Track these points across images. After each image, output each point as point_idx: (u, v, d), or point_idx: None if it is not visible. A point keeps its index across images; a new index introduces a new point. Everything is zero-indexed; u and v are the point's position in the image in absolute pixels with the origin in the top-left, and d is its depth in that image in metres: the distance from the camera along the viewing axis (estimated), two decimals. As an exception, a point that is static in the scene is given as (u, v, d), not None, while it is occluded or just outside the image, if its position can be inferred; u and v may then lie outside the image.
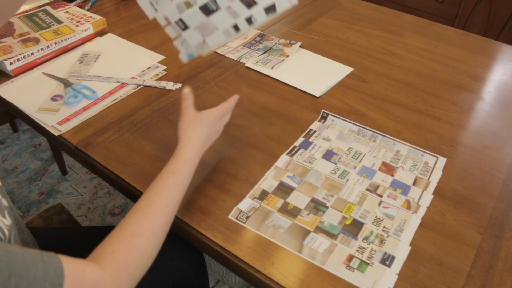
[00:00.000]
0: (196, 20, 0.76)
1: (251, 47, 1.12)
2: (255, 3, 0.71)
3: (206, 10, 0.75)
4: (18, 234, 0.60)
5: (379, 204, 0.72)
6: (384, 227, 0.68)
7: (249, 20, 0.72)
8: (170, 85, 0.97)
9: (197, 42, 0.77)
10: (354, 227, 0.68)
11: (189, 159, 0.64)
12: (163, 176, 0.62)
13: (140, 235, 0.54)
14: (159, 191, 0.60)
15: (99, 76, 0.99)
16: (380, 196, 0.73)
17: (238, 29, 0.73)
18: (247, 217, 0.69)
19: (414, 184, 0.76)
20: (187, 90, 0.72)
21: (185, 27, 0.77)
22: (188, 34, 0.77)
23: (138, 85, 0.96)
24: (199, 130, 0.68)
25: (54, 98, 0.91)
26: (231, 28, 0.74)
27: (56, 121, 0.85)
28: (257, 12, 0.71)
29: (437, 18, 2.11)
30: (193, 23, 0.77)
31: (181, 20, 0.76)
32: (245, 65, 1.05)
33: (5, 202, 0.56)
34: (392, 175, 0.77)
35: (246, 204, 0.71)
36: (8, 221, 0.53)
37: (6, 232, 0.50)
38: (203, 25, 0.76)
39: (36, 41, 1.02)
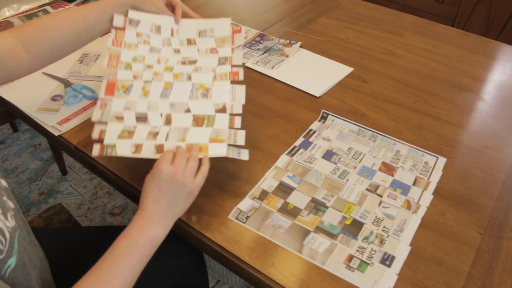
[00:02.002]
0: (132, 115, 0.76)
1: (251, 47, 1.12)
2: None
3: (141, 118, 0.75)
4: (27, 236, 0.60)
5: (379, 204, 0.72)
6: (384, 227, 0.68)
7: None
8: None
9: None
10: (354, 227, 0.68)
11: (158, 242, 0.60)
12: (123, 251, 0.57)
13: None
14: (115, 268, 0.55)
15: (99, 76, 0.99)
16: (380, 196, 0.73)
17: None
18: (247, 217, 0.69)
19: (414, 184, 0.76)
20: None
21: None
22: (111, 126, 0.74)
23: (138, 85, 0.96)
24: (168, 196, 0.61)
25: (54, 98, 0.91)
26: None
27: (56, 121, 0.85)
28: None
29: (437, 18, 2.11)
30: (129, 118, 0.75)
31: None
32: (245, 65, 1.05)
33: (10, 204, 0.56)
34: (392, 175, 0.77)
35: (246, 204, 0.71)
36: (11, 223, 0.53)
37: (7, 234, 0.50)
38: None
39: (36, 41, 1.02)
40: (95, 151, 0.70)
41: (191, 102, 0.76)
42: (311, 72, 1.04)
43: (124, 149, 0.70)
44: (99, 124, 0.73)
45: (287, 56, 1.09)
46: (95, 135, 0.72)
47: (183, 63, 0.82)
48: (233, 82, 0.78)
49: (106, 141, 0.71)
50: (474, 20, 2.02)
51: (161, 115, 0.74)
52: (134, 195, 0.73)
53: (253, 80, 1.00)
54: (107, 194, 1.71)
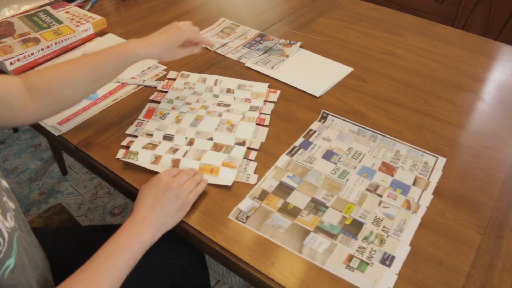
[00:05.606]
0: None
1: (251, 47, 1.12)
2: None
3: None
4: (28, 237, 0.60)
5: (379, 204, 0.72)
6: (384, 227, 0.68)
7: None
8: (170, 85, 0.97)
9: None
10: (354, 227, 0.68)
11: (145, 247, 0.62)
12: (111, 252, 0.59)
13: None
14: (102, 268, 0.57)
15: (99, 76, 0.98)
16: (380, 196, 0.73)
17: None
18: (247, 217, 0.69)
19: (414, 184, 0.76)
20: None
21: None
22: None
23: (138, 85, 0.97)
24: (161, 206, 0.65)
25: (54, 98, 0.91)
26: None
27: (56, 121, 0.85)
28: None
29: (437, 18, 2.11)
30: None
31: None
32: (245, 65, 1.05)
33: (11, 205, 0.56)
34: (392, 175, 0.77)
35: (246, 204, 0.71)
36: (10, 223, 0.53)
37: (6, 235, 0.50)
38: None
39: (37, 41, 1.02)
40: (120, 154, 0.78)
41: (215, 133, 0.83)
42: (311, 72, 1.04)
43: (144, 159, 0.77)
44: (131, 136, 0.82)
45: (287, 56, 1.09)
46: (124, 142, 0.81)
47: (218, 105, 0.90)
48: (258, 124, 0.86)
49: (131, 148, 0.79)
50: (474, 20, 2.02)
51: (186, 138, 0.82)
52: (134, 195, 0.73)
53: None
54: (107, 194, 1.71)
